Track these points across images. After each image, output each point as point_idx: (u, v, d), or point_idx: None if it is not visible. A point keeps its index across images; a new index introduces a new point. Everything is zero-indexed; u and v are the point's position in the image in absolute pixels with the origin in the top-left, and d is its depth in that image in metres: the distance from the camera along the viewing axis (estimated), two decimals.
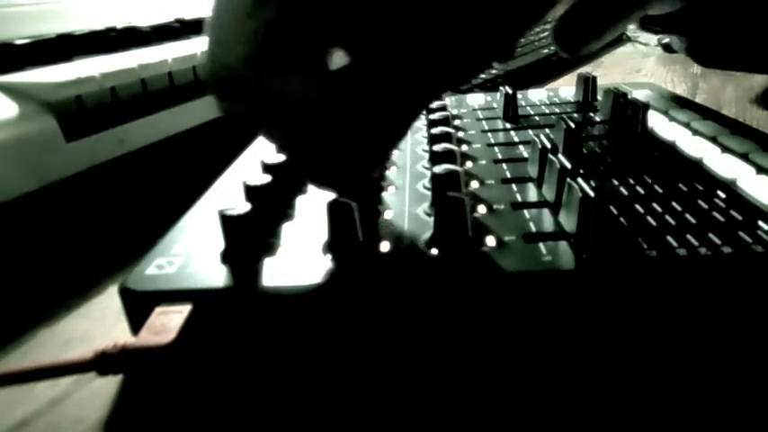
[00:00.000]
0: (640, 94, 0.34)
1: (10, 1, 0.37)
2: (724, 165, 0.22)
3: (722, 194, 0.20)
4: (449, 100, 0.36)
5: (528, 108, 0.33)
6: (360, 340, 0.17)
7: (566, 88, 0.37)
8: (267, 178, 0.20)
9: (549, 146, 0.22)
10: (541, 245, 0.17)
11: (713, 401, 0.15)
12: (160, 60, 0.32)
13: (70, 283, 0.23)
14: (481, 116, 0.33)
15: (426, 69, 0.15)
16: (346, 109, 0.15)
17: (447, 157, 0.22)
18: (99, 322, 0.20)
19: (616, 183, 0.22)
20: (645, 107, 0.27)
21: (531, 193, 0.21)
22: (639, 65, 0.61)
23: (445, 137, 0.25)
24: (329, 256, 0.17)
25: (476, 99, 0.36)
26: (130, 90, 0.31)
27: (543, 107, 0.34)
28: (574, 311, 0.16)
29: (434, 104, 0.31)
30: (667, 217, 0.19)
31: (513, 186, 0.22)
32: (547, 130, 0.29)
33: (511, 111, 0.31)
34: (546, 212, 0.20)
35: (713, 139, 0.25)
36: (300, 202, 0.21)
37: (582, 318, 0.16)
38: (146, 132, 0.31)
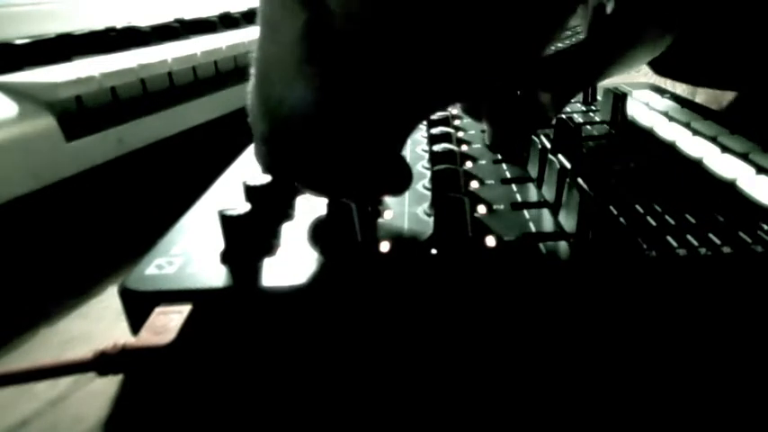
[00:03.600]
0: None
1: (10, 1, 0.37)
2: (724, 165, 0.22)
3: (722, 194, 0.20)
4: None
5: None
6: (359, 340, 0.17)
7: None
8: (267, 178, 0.20)
9: (548, 146, 0.22)
10: (541, 245, 0.17)
11: (713, 401, 0.15)
12: (160, 60, 0.32)
13: (70, 283, 0.23)
14: None
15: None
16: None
17: (447, 157, 0.22)
18: (99, 322, 0.20)
19: (616, 183, 0.22)
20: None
21: (531, 193, 0.21)
22: None
23: (445, 137, 0.25)
24: (329, 257, 0.17)
25: None
26: (130, 90, 0.31)
27: None
28: (574, 311, 0.16)
29: None
30: (667, 217, 0.19)
31: (513, 186, 0.22)
32: (547, 130, 0.29)
33: None
34: (546, 212, 0.20)
35: (713, 139, 0.25)
36: (300, 202, 0.21)
37: (582, 318, 0.16)
38: (146, 132, 0.31)
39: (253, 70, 0.15)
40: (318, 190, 0.17)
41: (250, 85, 0.16)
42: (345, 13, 0.12)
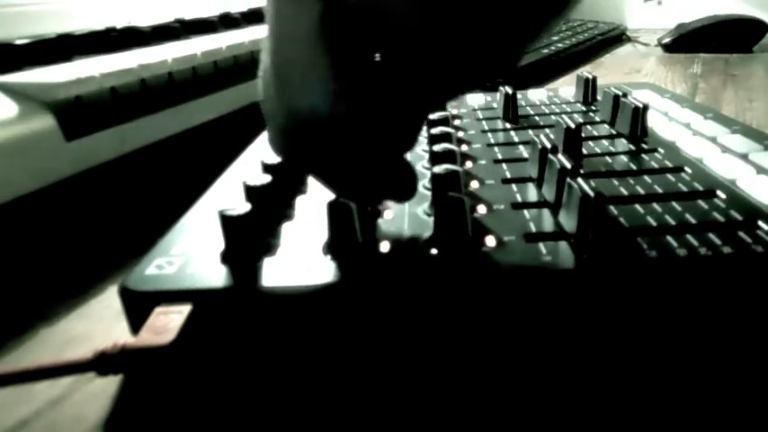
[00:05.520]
0: (640, 94, 0.34)
1: (10, 1, 0.37)
2: (724, 165, 0.22)
3: (722, 194, 0.20)
4: None
5: (528, 108, 0.33)
6: (360, 340, 0.17)
7: (566, 88, 0.37)
8: (267, 178, 0.20)
9: (549, 146, 0.22)
10: (541, 245, 0.17)
11: (713, 401, 0.15)
12: (160, 60, 0.32)
13: (70, 283, 0.23)
14: (481, 116, 0.33)
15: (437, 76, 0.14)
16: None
17: (447, 157, 0.22)
18: (99, 322, 0.20)
19: (616, 183, 0.22)
20: (645, 108, 0.27)
21: (531, 193, 0.21)
22: (639, 65, 0.61)
23: (445, 137, 0.25)
24: (329, 257, 0.17)
25: (476, 99, 0.36)
26: (130, 90, 0.31)
27: (543, 107, 0.34)
28: (574, 312, 0.16)
29: None
30: (667, 217, 0.19)
31: (513, 186, 0.22)
32: (547, 130, 0.29)
33: (511, 111, 0.31)
34: (546, 212, 0.20)
35: (713, 139, 0.25)
36: (300, 202, 0.21)
37: (582, 318, 0.16)
38: (146, 132, 0.31)
39: (265, 60, 0.15)
40: (331, 184, 0.17)
41: (262, 73, 0.15)
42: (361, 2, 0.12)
